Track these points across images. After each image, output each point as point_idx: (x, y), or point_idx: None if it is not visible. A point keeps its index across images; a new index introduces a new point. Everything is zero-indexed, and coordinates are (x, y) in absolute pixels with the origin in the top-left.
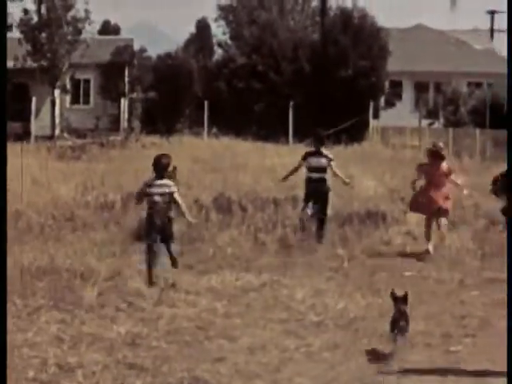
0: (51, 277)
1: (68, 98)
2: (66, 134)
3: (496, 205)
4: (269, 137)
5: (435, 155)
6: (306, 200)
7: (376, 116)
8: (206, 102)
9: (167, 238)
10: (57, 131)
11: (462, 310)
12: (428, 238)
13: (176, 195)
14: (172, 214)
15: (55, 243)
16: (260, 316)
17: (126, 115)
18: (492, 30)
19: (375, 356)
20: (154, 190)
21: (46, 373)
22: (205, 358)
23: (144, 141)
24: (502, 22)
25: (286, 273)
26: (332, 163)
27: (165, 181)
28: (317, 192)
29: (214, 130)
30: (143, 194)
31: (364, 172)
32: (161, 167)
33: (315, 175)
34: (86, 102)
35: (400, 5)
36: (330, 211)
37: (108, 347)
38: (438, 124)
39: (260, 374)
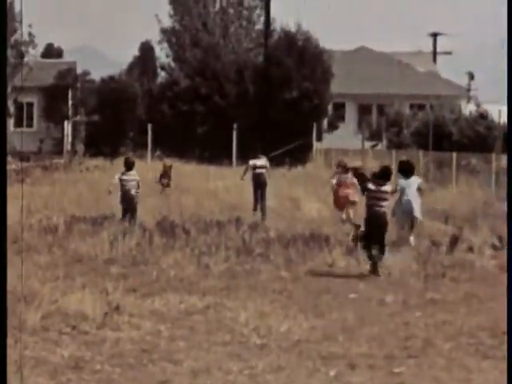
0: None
1: (11, 122)
2: (9, 158)
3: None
4: (212, 159)
5: (343, 167)
6: (255, 188)
7: (319, 138)
8: (149, 125)
9: (133, 210)
10: None
11: (406, 332)
12: (347, 216)
13: (139, 182)
14: (136, 194)
15: None
16: (204, 339)
17: (70, 138)
18: (435, 53)
19: None
20: (126, 177)
21: None
22: (149, 381)
23: (87, 164)
24: (444, 44)
25: (229, 295)
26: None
27: (132, 172)
28: (259, 181)
29: (158, 152)
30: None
31: (307, 194)
32: (129, 163)
33: (258, 171)
34: (30, 125)
35: (343, 27)
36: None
37: (51, 371)
38: (381, 146)
39: None
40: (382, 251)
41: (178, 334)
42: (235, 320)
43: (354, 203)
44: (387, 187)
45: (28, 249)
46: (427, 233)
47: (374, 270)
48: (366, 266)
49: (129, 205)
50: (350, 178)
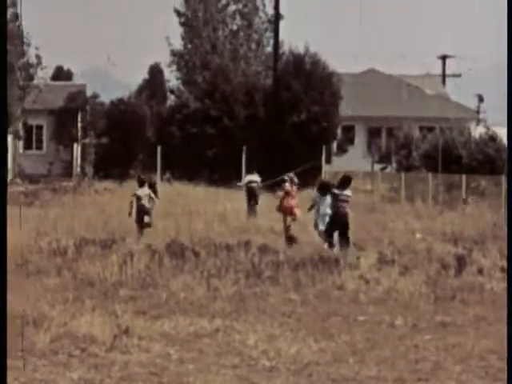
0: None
1: (21, 144)
2: (18, 180)
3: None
4: (222, 181)
5: (291, 182)
6: (249, 200)
7: (328, 161)
8: (158, 148)
9: (149, 216)
10: (9, 177)
11: (416, 354)
12: (286, 230)
13: (151, 194)
14: (150, 205)
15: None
16: (213, 361)
17: (79, 161)
18: (444, 75)
19: None
20: (139, 193)
21: None
22: None
23: (97, 186)
24: (453, 66)
25: (238, 318)
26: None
27: (145, 188)
28: (252, 192)
29: (167, 175)
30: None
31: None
32: (141, 180)
33: (252, 184)
34: (39, 147)
35: (352, 50)
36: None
37: None
38: (391, 168)
39: None
40: (347, 241)
41: (187, 356)
42: (244, 343)
43: (294, 215)
44: (348, 192)
45: (37, 271)
46: (437, 255)
47: (345, 248)
48: (377, 289)
49: (143, 215)
50: (295, 190)
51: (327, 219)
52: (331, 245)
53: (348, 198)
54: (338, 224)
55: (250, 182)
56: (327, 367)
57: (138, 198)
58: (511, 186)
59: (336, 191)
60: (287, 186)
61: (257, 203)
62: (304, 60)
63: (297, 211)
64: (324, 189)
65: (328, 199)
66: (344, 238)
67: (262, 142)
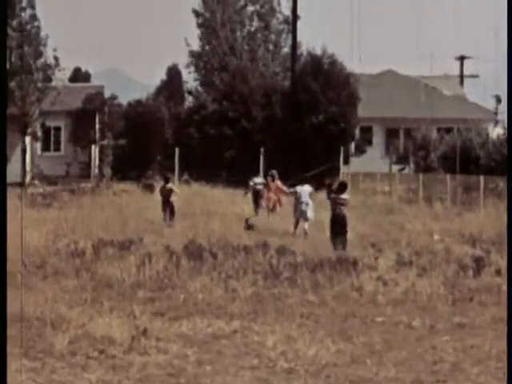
0: (22, 324)
1: (39, 146)
2: (36, 181)
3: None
4: (239, 183)
5: (272, 177)
6: (255, 200)
7: (346, 162)
8: (176, 149)
9: (172, 211)
10: (27, 178)
11: (433, 356)
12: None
13: (173, 188)
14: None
15: (26, 291)
16: (231, 363)
17: (97, 162)
18: (462, 76)
19: None
20: (164, 187)
21: None
22: None
23: (115, 188)
24: (471, 67)
25: (256, 319)
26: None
27: (169, 184)
28: (258, 194)
29: (185, 176)
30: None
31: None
32: (166, 177)
33: (258, 186)
34: (57, 149)
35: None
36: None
37: None
38: (409, 169)
39: None
40: (345, 240)
41: (205, 358)
42: (262, 344)
43: (280, 204)
44: (345, 195)
45: (55, 273)
46: (455, 257)
47: (343, 248)
48: (395, 290)
49: (167, 206)
50: (276, 185)
51: (308, 208)
52: (336, 245)
53: (345, 201)
54: (337, 224)
55: (256, 184)
56: (345, 368)
57: (162, 192)
58: (511, 186)
59: (334, 195)
60: (275, 184)
61: (261, 205)
62: (322, 61)
63: (276, 203)
64: (302, 180)
65: (305, 190)
66: (342, 238)
67: (279, 143)
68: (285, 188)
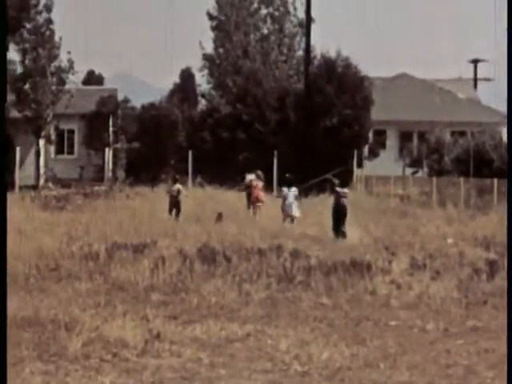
0: (35, 327)
1: (52, 148)
2: (50, 184)
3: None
4: None
5: (258, 177)
6: (247, 195)
7: (360, 165)
8: (190, 152)
9: (178, 209)
10: (41, 181)
11: (447, 359)
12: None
13: (181, 188)
14: (179, 198)
15: (39, 293)
16: (244, 366)
17: (111, 165)
18: (475, 79)
19: None
20: (173, 188)
21: None
22: None
23: (128, 191)
24: (484, 70)
25: (270, 323)
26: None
27: (177, 185)
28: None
29: (199, 179)
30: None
31: (348, 221)
32: (175, 179)
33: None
34: (71, 152)
35: (384, 54)
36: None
37: None
38: (422, 173)
39: None
40: (343, 228)
41: (219, 361)
42: (276, 348)
43: (261, 201)
44: (346, 190)
45: (69, 276)
46: (468, 260)
47: (343, 237)
48: (409, 293)
49: (174, 205)
50: (260, 183)
51: (293, 207)
52: (341, 232)
53: (346, 194)
54: (339, 212)
55: (251, 181)
56: (359, 372)
57: (171, 191)
58: (511, 186)
59: (338, 189)
60: (259, 183)
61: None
62: (336, 64)
63: (263, 198)
64: (289, 183)
65: (291, 191)
66: (341, 225)
67: (293, 146)
68: (261, 191)
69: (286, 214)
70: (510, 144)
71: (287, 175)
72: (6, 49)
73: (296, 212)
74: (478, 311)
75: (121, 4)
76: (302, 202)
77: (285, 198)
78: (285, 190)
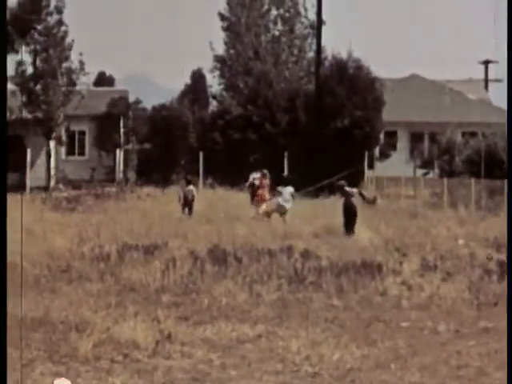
0: (46, 328)
1: (63, 150)
2: (61, 185)
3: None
4: None
5: (262, 176)
6: (251, 193)
7: (371, 166)
8: (201, 153)
9: (190, 208)
10: (52, 182)
11: (458, 360)
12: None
13: (193, 190)
14: (192, 198)
15: (50, 295)
16: (255, 367)
17: (122, 166)
18: (486, 80)
19: None
20: (186, 189)
21: None
22: None
23: (139, 192)
24: (496, 71)
25: (281, 324)
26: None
27: (190, 186)
28: (253, 187)
29: (210, 180)
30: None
31: (359, 222)
32: (187, 180)
33: (256, 181)
34: (82, 153)
35: (395, 55)
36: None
37: None
38: (433, 174)
39: None
40: (353, 227)
41: (230, 362)
42: (287, 349)
43: (265, 200)
44: (354, 189)
45: (80, 277)
46: (479, 261)
47: (351, 233)
48: (420, 294)
49: (188, 204)
50: (266, 182)
51: (288, 204)
52: (351, 229)
53: (353, 193)
54: (348, 210)
55: (254, 179)
56: (370, 373)
57: (184, 192)
58: (511, 186)
59: (347, 189)
60: (265, 182)
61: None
62: (347, 65)
63: (267, 197)
64: (286, 182)
65: (287, 190)
66: (351, 224)
67: (303, 147)
68: (266, 191)
69: (280, 212)
70: (510, 144)
71: (284, 174)
72: (5, 49)
73: (287, 205)
74: (489, 312)
75: (132, 5)
76: (294, 202)
77: (280, 195)
78: (280, 188)
